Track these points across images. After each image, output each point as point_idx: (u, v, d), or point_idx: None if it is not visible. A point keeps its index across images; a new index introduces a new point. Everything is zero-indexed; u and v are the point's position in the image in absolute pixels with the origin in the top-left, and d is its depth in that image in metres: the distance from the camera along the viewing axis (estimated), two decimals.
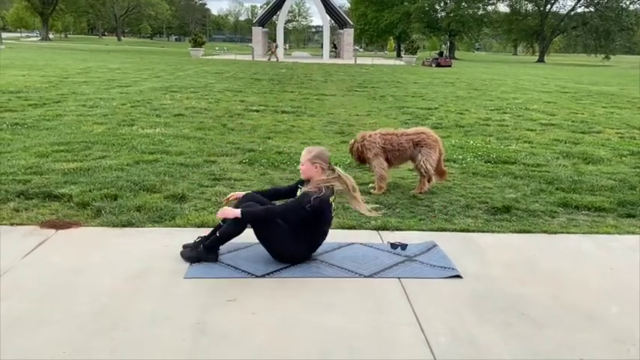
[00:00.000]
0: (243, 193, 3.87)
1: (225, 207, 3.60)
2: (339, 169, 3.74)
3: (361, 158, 5.58)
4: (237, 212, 3.47)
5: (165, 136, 7.79)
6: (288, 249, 3.58)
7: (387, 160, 5.44)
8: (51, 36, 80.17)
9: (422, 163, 5.36)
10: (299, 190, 3.75)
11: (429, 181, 5.42)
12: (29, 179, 5.24)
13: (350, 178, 3.76)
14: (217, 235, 3.58)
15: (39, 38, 74.61)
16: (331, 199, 3.62)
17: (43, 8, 71.39)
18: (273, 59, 37.31)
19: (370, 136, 5.49)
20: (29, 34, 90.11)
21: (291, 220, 3.55)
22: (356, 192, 3.75)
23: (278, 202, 3.83)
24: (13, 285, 3.17)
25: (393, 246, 3.94)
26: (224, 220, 3.66)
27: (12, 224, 4.14)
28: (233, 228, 3.54)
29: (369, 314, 2.99)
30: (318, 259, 3.66)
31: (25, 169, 5.63)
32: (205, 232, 4.07)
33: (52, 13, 73.59)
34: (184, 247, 3.70)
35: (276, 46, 39.99)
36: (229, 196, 3.93)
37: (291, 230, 3.56)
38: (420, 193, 5.34)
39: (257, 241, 3.66)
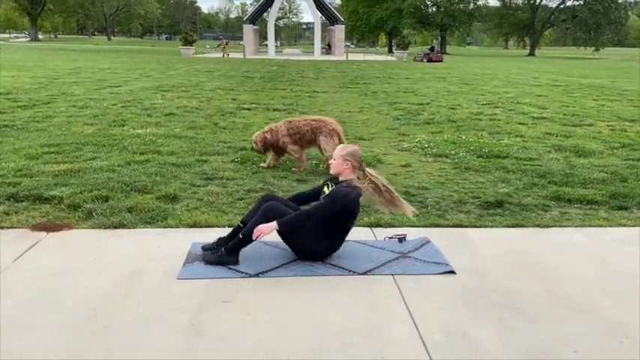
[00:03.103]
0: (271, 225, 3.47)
1: (259, 225, 3.44)
2: (370, 170, 3.72)
3: (271, 148, 6.09)
4: (273, 225, 3.41)
5: (157, 136, 7.75)
6: (314, 247, 3.57)
7: (294, 143, 6.01)
8: (40, 36, 79.58)
9: (324, 152, 5.97)
10: (327, 187, 3.71)
11: None
12: (19, 182, 5.19)
13: (379, 177, 3.70)
14: (240, 236, 3.53)
15: (28, 39, 74.08)
16: (360, 198, 3.62)
17: (31, 8, 70.83)
18: (225, 55, 38.71)
19: (272, 130, 6.08)
20: (18, 35, 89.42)
21: (324, 217, 3.51)
22: (389, 192, 3.69)
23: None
24: (3, 288, 3.14)
25: (392, 238, 3.97)
26: (243, 222, 3.66)
27: (2, 227, 4.10)
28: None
29: (363, 312, 2.98)
30: (301, 257, 3.64)
31: (14, 171, 5.58)
32: (198, 231, 4.08)
33: (40, 13, 73.08)
34: (204, 248, 3.67)
35: (227, 42, 42.20)
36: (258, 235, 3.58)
37: (319, 229, 3.53)
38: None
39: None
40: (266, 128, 6.20)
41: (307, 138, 6.02)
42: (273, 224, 3.42)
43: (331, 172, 3.72)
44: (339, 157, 3.64)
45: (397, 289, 3.26)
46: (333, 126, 6.10)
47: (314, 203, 3.69)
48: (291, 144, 6.00)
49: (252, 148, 6.20)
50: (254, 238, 3.44)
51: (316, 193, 3.81)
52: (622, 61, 45.77)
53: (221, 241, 3.67)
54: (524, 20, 65.09)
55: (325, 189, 3.71)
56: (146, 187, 5.15)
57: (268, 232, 3.42)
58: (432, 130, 8.85)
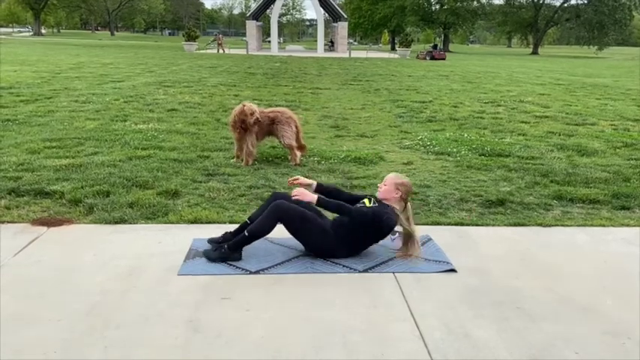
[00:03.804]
0: (309, 181, 3.83)
1: (302, 189, 3.58)
2: (410, 208, 3.73)
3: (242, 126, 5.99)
4: (313, 197, 3.51)
5: (159, 131, 7.74)
6: (328, 246, 3.57)
7: (256, 134, 6.05)
8: (43, 31, 79.64)
9: (282, 139, 6.11)
10: (368, 200, 3.70)
11: (299, 150, 6.18)
12: (20, 176, 5.19)
13: (413, 227, 3.70)
14: (245, 234, 3.52)
15: (31, 33, 74.14)
16: (395, 229, 3.63)
17: (35, 3, 70.86)
18: (221, 51, 39.36)
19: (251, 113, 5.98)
20: (21, 29, 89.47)
21: (356, 226, 3.53)
22: (413, 237, 3.68)
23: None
24: (3, 283, 3.13)
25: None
26: (250, 219, 3.66)
27: (3, 222, 4.09)
28: (263, 226, 3.50)
29: (363, 309, 2.97)
30: (313, 255, 3.64)
31: (16, 165, 5.58)
32: (199, 228, 4.07)
33: (43, 7, 73.11)
34: (210, 241, 3.69)
35: (222, 38, 42.93)
36: (294, 179, 3.87)
37: (347, 237, 3.55)
38: (296, 164, 6.02)
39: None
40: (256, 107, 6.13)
41: (264, 130, 6.12)
42: (315, 196, 3.52)
43: (379, 195, 3.71)
44: (391, 184, 3.65)
45: (398, 287, 3.25)
46: (289, 114, 6.24)
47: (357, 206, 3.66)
48: (254, 134, 6.03)
49: (253, 122, 5.86)
50: (293, 197, 3.52)
51: (354, 200, 3.80)
52: (625, 60, 45.64)
53: (227, 236, 3.66)
54: (528, 19, 64.84)
55: (366, 201, 3.72)
56: (147, 182, 5.15)
57: (307, 199, 3.50)
58: (434, 128, 8.83)
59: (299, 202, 3.63)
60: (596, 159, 6.82)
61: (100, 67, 18.99)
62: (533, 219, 4.52)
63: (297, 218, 3.53)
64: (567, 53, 64.92)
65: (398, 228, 3.98)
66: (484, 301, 3.09)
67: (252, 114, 5.87)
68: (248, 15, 51.31)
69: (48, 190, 4.78)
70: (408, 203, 3.76)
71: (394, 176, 3.75)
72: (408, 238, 3.68)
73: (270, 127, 6.13)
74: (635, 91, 16.07)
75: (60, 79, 14.53)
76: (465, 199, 4.98)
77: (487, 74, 22.23)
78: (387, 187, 3.67)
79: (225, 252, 3.51)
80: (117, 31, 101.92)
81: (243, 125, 5.93)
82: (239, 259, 3.51)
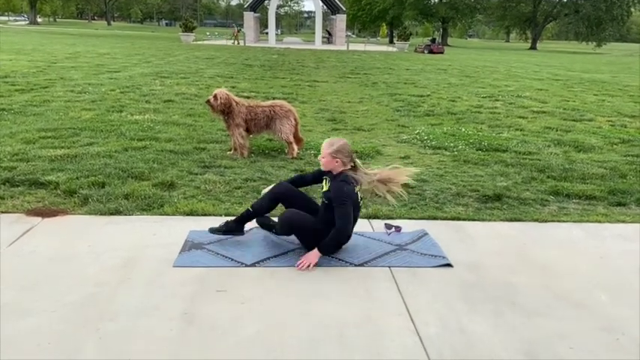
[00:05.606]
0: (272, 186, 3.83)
1: (305, 258, 3.41)
2: (359, 163, 3.64)
3: (225, 113, 5.98)
4: (316, 255, 3.39)
5: (155, 122, 7.70)
6: (320, 239, 3.50)
7: (247, 129, 6.08)
8: (39, 20, 79.06)
9: (279, 134, 6.12)
10: (325, 181, 3.63)
11: (296, 143, 6.20)
12: (15, 166, 5.16)
13: (367, 174, 3.64)
14: (250, 209, 3.69)
15: (27, 22, 73.57)
16: (357, 189, 3.53)
17: None
18: (241, 43, 39.41)
19: (237, 104, 6.00)
20: (17, 18, 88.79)
21: (346, 217, 3.46)
22: (381, 177, 3.67)
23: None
24: None
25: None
26: (253, 207, 3.75)
27: None
28: (267, 204, 3.69)
29: (359, 303, 2.97)
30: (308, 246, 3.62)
31: (11, 155, 5.54)
32: (194, 220, 4.05)
33: None
34: (211, 230, 3.75)
35: (239, 30, 43.09)
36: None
37: (324, 221, 3.51)
38: (293, 157, 6.05)
39: (247, 228, 3.74)
40: (235, 96, 6.09)
41: (261, 124, 6.10)
42: (316, 254, 3.40)
43: (322, 169, 3.64)
44: (327, 155, 3.53)
45: (394, 281, 3.24)
46: (287, 107, 6.23)
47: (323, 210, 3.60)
48: (244, 129, 6.00)
49: (207, 101, 5.96)
50: (300, 268, 3.34)
51: (317, 179, 3.79)
52: (624, 56, 45.66)
53: (229, 223, 3.72)
54: (527, 13, 64.76)
55: (324, 184, 3.66)
56: (143, 173, 5.12)
57: (315, 261, 3.38)
58: (432, 122, 8.82)
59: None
60: (593, 155, 6.82)
61: (97, 57, 18.87)
62: (529, 214, 4.52)
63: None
64: (566, 48, 64.89)
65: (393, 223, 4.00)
66: (479, 296, 3.09)
67: (216, 98, 5.87)
68: (246, 6, 50.96)
69: (43, 181, 4.76)
70: (355, 160, 3.62)
71: (326, 146, 3.56)
72: (385, 180, 3.68)
73: (268, 120, 6.10)
74: (633, 88, 16.09)
75: (56, 68, 14.43)
76: (462, 194, 4.97)
77: (485, 69, 22.20)
78: (325, 159, 3.55)
79: (231, 224, 3.68)
80: (113, 21, 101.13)
81: (222, 110, 5.92)
82: (241, 232, 3.69)
